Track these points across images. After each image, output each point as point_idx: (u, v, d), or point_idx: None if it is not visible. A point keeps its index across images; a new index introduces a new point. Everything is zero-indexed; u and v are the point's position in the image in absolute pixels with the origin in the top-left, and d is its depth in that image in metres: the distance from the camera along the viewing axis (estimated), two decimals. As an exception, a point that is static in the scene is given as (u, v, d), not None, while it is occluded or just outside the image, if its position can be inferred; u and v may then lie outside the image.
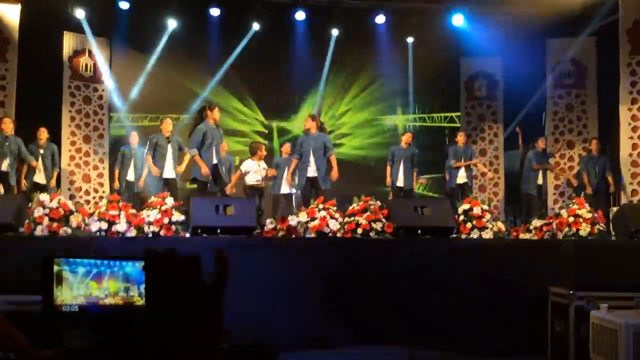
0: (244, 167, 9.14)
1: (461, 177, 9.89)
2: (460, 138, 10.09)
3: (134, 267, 3.27)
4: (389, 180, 9.46)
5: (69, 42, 10.80)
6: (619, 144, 9.52)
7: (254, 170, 9.05)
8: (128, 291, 3.28)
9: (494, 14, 10.78)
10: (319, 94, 12.39)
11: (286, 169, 8.94)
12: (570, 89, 11.20)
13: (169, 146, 8.67)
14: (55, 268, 3.29)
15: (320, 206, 6.42)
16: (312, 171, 7.95)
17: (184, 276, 2.11)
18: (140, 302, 3.28)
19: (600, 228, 6.77)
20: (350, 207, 6.48)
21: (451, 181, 9.92)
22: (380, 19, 11.23)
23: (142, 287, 3.17)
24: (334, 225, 6.29)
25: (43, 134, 9.42)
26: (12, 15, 9.53)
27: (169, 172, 8.65)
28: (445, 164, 10.15)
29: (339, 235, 6.28)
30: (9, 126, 8.75)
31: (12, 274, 4.86)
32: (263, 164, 9.13)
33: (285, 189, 9.33)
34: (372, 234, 6.25)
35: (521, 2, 10.44)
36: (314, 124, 7.99)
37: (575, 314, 4.94)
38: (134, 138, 10.02)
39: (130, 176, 9.83)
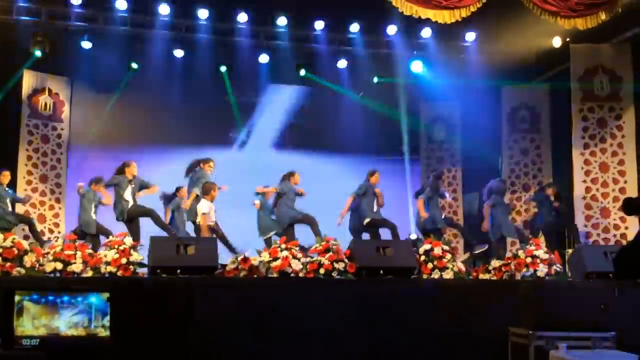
0: (203, 207, 9.09)
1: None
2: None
3: (98, 298, 3.18)
4: (376, 207, 9.14)
5: (28, 80, 10.67)
6: (573, 187, 9.80)
7: (208, 211, 9.05)
8: (91, 322, 3.17)
9: (451, 61, 11.12)
10: None
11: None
12: (525, 133, 11.56)
13: (129, 188, 8.79)
14: (17, 298, 3.18)
15: (283, 246, 6.39)
16: None
17: (150, 307, 2.07)
18: (103, 333, 3.17)
19: (557, 269, 6.91)
20: (313, 247, 6.47)
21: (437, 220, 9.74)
22: (342, 63, 11.46)
23: (106, 318, 3.08)
24: (296, 265, 6.26)
25: (7, 177, 9.26)
26: (-28, 52, 9.43)
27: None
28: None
29: (301, 275, 6.25)
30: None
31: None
32: (213, 206, 9.15)
33: None
34: (334, 274, 6.23)
35: (477, 51, 10.83)
36: None
37: (535, 354, 5.00)
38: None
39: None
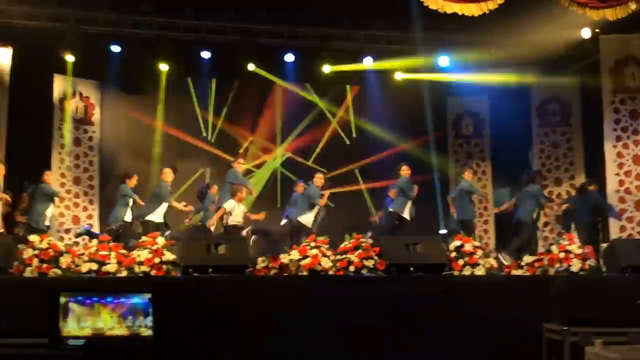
0: (227, 206, 9.18)
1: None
2: (468, 175, 9.83)
3: (141, 299, 3.26)
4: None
5: (59, 84, 10.86)
6: (606, 180, 9.62)
7: (235, 211, 9.14)
8: (134, 322, 3.25)
9: (478, 55, 10.99)
10: None
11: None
12: (556, 127, 11.39)
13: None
14: (62, 300, 3.27)
15: (312, 244, 6.41)
16: None
17: (191, 306, 2.11)
18: (146, 333, 3.25)
19: (591, 264, 6.81)
20: (342, 245, 6.48)
21: (469, 214, 9.51)
22: (366, 60, 11.39)
23: (149, 318, 3.14)
24: (326, 263, 6.27)
25: (50, 177, 9.44)
26: (4, 58, 9.59)
27: (158, 217, 9.02)
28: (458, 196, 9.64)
29: (331, 273, 6.26)
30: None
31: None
32: (243, 207, 9.20)
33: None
34: (364, 271, 6.23)
35: (505, 44, 10.68)
36: None
37: (571, 350, 4.94)
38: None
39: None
